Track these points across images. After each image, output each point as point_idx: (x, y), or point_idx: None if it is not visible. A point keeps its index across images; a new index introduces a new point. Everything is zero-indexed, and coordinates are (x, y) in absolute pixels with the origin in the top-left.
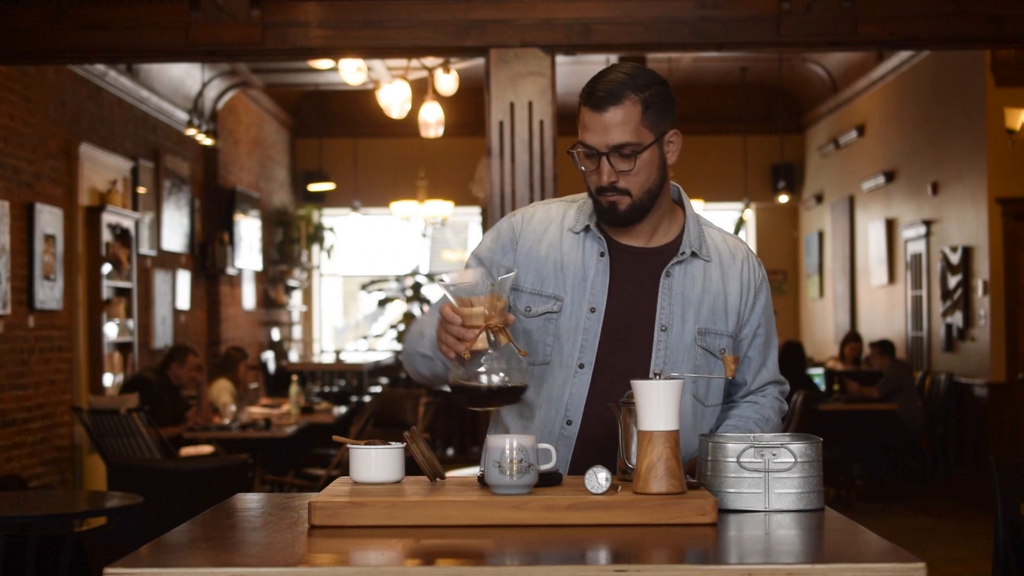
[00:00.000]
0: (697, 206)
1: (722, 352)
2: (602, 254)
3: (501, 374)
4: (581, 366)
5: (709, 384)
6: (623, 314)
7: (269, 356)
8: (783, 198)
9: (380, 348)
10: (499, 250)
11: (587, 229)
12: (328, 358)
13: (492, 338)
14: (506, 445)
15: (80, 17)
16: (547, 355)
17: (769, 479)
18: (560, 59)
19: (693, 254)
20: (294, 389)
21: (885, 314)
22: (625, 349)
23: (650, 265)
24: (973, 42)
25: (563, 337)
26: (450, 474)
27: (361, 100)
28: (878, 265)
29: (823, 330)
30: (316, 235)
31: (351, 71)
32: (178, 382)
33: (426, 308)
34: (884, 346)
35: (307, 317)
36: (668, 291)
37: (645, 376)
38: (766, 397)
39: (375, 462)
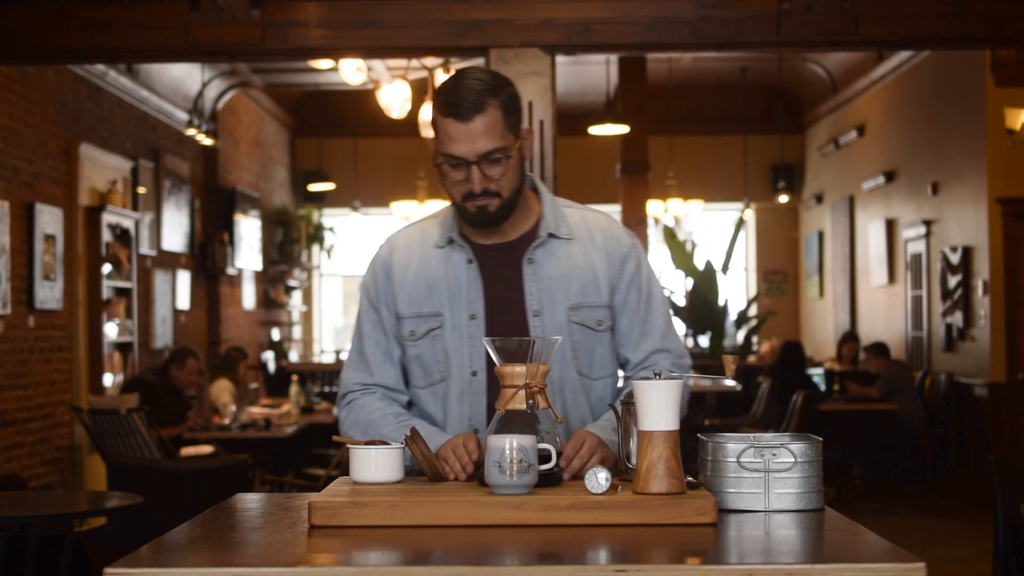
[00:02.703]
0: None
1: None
2: (469, 261)
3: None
4: (474, 373)
5: (592, 357)
6: (502, 312)
7: (269, 356)
8: (783, 198)
9: None
10: (380, 284)
11: (451, 241)
12: (328, 358)
13: (531, 400)
14: (506, 445)
15: (80, 17)
16: (443, 372)
17: (769, 479)
18: (560, 59)
19: (551, 235)
20: (294, 389)
21: (885, 314)
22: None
23: (514, 257)
24: (973, 42)
25: (451, 350)
26: None
27: (361, 100)
28: (878, 265)
29: (823, 330)
30: (316, 235)
31: (351, 71)
32: (178, 384)
33: None
34: (878, 348)
35: (307, 317)
36: (534, 276)
37: None
38: (658, 368)
39: (375, 462)
